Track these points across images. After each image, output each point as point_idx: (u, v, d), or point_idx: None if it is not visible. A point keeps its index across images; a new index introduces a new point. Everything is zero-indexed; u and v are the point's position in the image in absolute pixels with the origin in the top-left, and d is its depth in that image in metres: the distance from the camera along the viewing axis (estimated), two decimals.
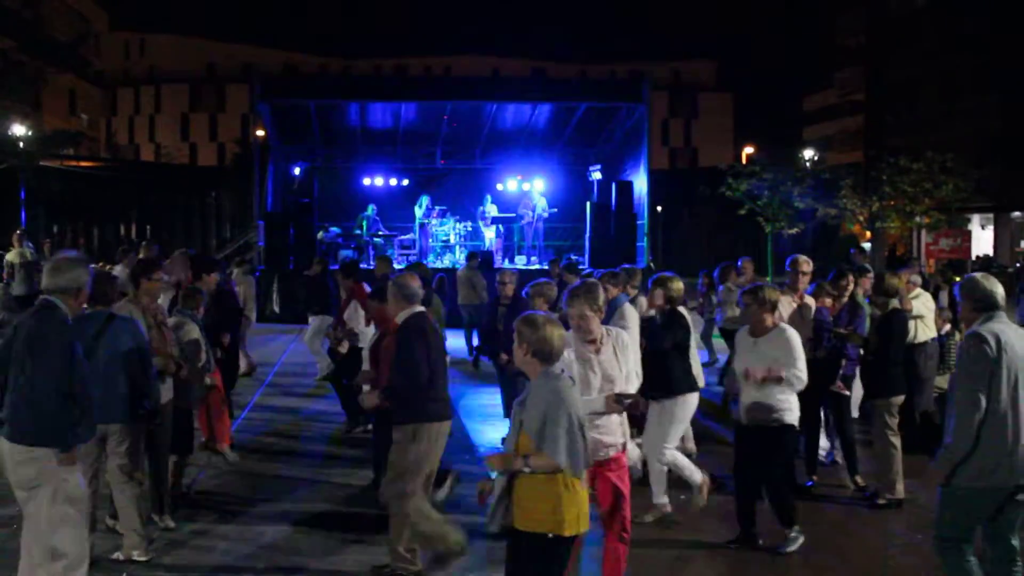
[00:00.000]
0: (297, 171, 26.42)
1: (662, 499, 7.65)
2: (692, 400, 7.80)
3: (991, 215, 50.86)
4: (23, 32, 39.27)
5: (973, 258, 47.44)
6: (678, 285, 7.90)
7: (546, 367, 4.70)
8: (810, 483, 8.59)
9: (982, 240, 51.11)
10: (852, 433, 8.82)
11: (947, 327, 10.88)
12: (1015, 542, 5.29)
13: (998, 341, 5.13)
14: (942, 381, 10.08)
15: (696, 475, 7.53)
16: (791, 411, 6.93)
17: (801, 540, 6.97)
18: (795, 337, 7.01)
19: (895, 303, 8.47)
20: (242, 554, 6.86)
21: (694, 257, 42.87)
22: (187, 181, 53.21)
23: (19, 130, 34.62)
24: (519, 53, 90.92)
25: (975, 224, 50.29)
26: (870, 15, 58.72)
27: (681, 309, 8.00)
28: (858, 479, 8.61)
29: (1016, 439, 5.13)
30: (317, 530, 7.36)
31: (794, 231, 39.88)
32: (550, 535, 4.59)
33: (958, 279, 19.91)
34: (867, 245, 46.79)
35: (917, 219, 37.82)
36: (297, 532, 7.33)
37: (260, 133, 26.88)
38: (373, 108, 26.21)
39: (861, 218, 38.65)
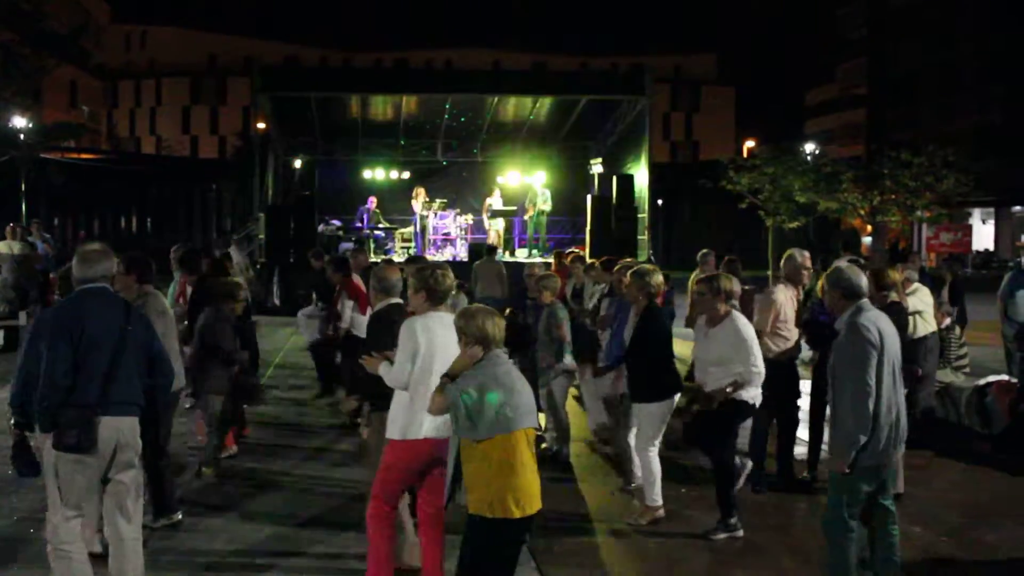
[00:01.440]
0: (298, 164, 26.42)
1: (656, 501, 7.50)
2: (669, 402, 7.52)
3: (992, 209, 50.88)
4: (24, 24, 39.16)
5: (973, 252, 47.49)
6: (658, 279, 7.58)
7: (487, 354, 4.94)
8: (809, 479, 8.53)
9: (983, 234, 51.17)
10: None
11: (947, 321, 10.89)
12: (892, 505, 5.84)
13: (879, 330, 5.49)
14: (943, 375, 10.08)
15: (658, 499, 7.45)
16: (747, 390, 6.96)
17: (737, 534, 7.02)
18: (746, 328, 7.00)
19: (894, 296, 8.46)
20: (242, 547, 6.85)
21: (695, 251, 42.69)
22: (188, 174, 53.15)
23: (20, 122, 34.62)
24: (520, 46, 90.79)
25: (976, 218, 50.32)
26: (871, 7, 58.67)
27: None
28: None
29: (897, 419, 5.58)
30: (318, 524, 7.34)
31: (795, 225, 39.83)
32: (489, 517, 4.76)
33: (959, 273, 19.89)
34: (868, 239, 46.76)
35: (918, 213, 37.76)
36: (298, 525, 7.32)
37: (261, 126, 26.87)
38: (374, 101, 26.22)
39: (862, 212, 38.57)
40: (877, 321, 5.57)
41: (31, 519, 7.16)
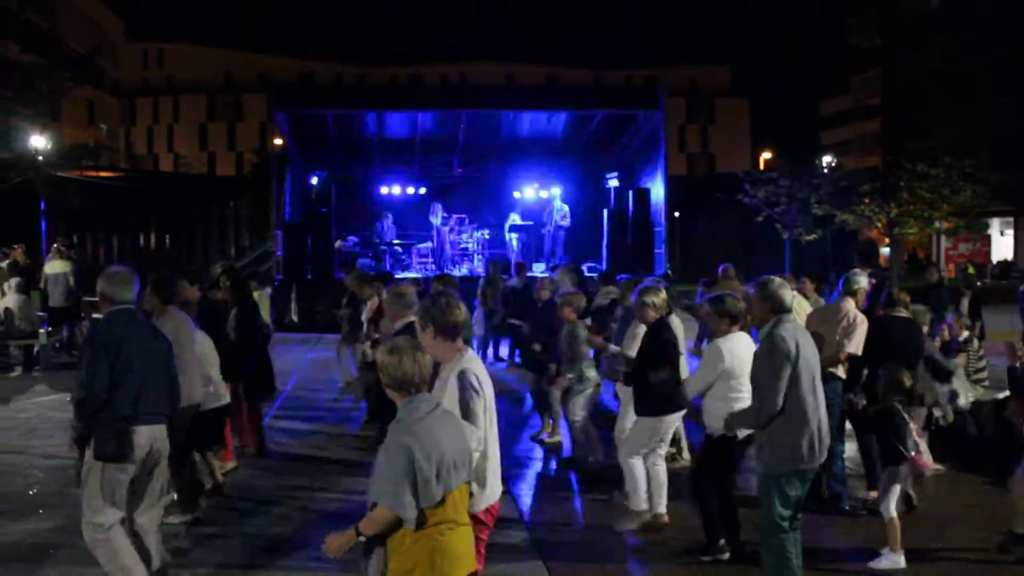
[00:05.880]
0: (315, 180, 26.54)
1: (639, 505, 7.54)
2: (671, 419, 7.61)
3: (1011, 219, 50.58)
4: (41, 44, 39.45)
5: (993, 262, 47.22)
6: (662, 297, 7.58)
7: (407, 397, 4.20)
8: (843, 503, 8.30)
9: (1002, 245, 50.83)
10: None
11: (965, 334, 10.83)
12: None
13: (796, 343, 5.75)
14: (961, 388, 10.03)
15: (640, 503, 7.50)
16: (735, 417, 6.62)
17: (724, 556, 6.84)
18: (730, 349, 6.80)
19: (902, 311, 8.41)
20: (260, 548, 7.16)
21: (712, 264, 42.52)
22: (206, 191, 53.29)
23: (39, 142, 34.81)
24: (534, 60, 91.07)
25: (995, 228, 50.01)
26: (884, 17, 58.52)
27: (674, 319, 7.85)
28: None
29: (819, 425, 5.79)
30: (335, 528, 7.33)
31: (812, 238, 39.70)
32: None
33: (980, 284, 19.67)
34: (886, 250, 46.58)
35: (936, 224, 37.57)
36: (315, 531, 7.35)
37: (278, 142, 27.00)
38: (390, 117, 26.30)
39: (879, 224, 38.45)
40: (794, 333, 5.83)
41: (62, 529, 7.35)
